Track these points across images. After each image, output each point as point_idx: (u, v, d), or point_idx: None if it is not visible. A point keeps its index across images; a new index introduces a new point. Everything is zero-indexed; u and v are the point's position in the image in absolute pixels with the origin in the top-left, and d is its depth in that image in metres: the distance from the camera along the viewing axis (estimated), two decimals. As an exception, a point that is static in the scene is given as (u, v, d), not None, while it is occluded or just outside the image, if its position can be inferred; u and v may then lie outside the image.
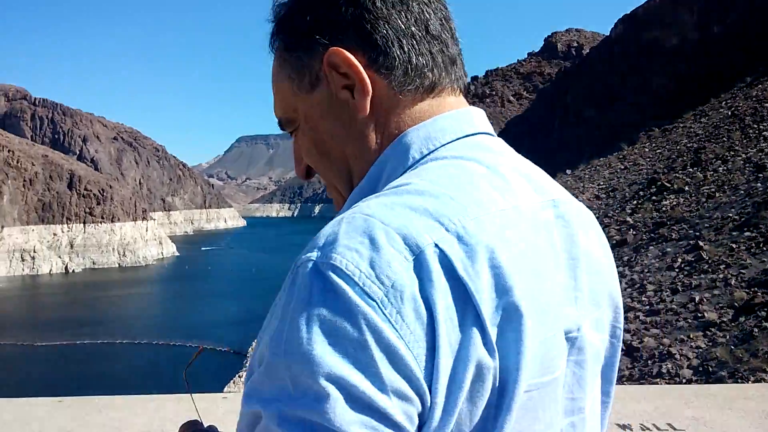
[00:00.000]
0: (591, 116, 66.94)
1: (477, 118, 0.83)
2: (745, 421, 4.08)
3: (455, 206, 0.68)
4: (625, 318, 21.59)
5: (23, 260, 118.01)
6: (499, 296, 0.65)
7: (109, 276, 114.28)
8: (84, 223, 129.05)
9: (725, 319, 15.71)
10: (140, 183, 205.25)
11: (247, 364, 0.69)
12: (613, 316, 0.87)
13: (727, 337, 14.71)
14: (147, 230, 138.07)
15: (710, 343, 14.69)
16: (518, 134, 75.91)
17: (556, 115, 72.42)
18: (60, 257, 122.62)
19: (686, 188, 32.92)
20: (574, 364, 0.77)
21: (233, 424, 0.69)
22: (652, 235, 28.68)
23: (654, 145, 49.69)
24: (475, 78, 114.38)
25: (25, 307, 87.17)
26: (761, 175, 28.61)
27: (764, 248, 19.16)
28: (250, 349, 41.25)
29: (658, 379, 13.99)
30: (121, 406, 3.69)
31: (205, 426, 0.90)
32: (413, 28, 0.79)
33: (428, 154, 0.77)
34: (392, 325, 0.60)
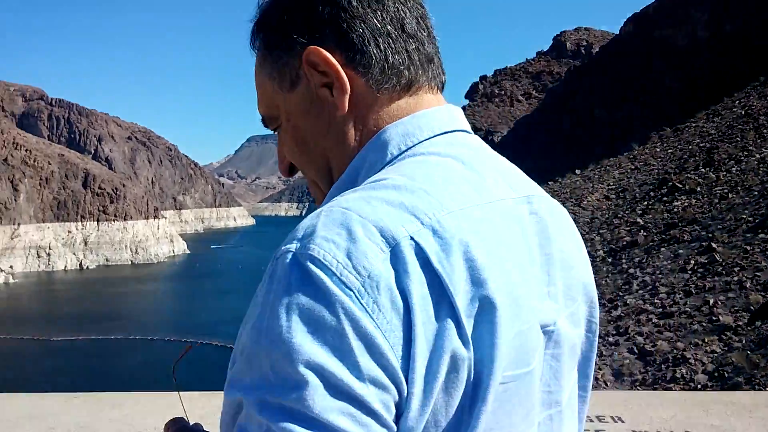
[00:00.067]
0: (601, 116, 66.68)
1: (454, 115, 0.85)
2: (769, 430, 3.94)
3: (431, 201, 0.69)
4: (638, 321, 21.61)
5: (39, 257, 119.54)
6: (474, 289, 0.67)
7: (122, 273, 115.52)
8: (98, 221, 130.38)
9: (741, 323, 15.63)
10: (153, 182, 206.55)
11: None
12: (588, 311, 0.88)
13: (743, 341, 14.59)
14: (159, 228, 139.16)
15: (726, 348, 14.60)
16: (527, 133, 75.75)
17: (566, 115, 72.12)
18: (75, 254, 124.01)
19: (698, 189, 32.69)
20: (550, 357, 0.78)
21: None
22: (664, 236, 28.54)
23: (665, 144, 49.23)
24: (484, 77, 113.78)
25: (41, 303, 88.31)
26: (776, 175, 28.37)
27: (779, 250, 19.07)
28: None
29: (672, 384, 13.93)
30: (133, 403, 3.71)
31: (191, 423, 0.90)
32: (389, 27, 0.80)
33: (406, 150, 0.79)
34: (369, 315, 0.62)
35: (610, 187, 45.90)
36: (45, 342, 65.10)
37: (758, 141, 36.27)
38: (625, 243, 30.37)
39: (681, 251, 24.74)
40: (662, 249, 26.55)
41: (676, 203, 33.18)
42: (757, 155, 33.68)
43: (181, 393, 1.10)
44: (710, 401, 4.55)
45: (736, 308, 16.64)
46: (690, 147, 43.91)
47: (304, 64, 0.80)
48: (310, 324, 0.61)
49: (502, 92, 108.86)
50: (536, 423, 0.77)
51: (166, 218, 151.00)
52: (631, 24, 75.01)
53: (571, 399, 0.85)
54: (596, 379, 17.69)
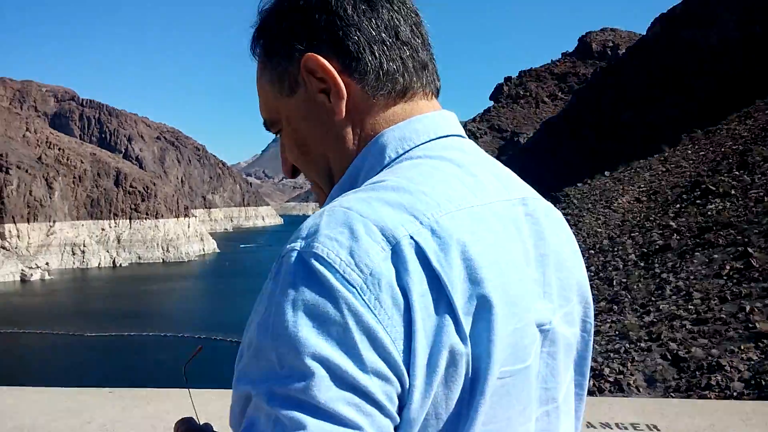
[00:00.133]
0: (629, 117, 65.85)
1: (449, 121, 0.87)
2: (812, 442, 3.84)
3: (429, 202, 0.71)
4: (671, 326, 21.50)
5: (74, 254, 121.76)
6: (471, 287, 0.68)
7: (154, 271, 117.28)
8: (130, 219, 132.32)
9: (779, 331, 15.50)
10: (182, 181, 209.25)
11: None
12: (583, 311, 0.90)
13: (782, 349, 14.47)
14: (189, 227, 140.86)
15: (762, 356, 14.49)
16: (554, 135, 75.19)
17: (593, 116, 71.43)
18: (108, 251, 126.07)
19: (732, 192, 32.28)
20: (547, 355, 0.81)
21: None
22: (698, 240, 28.27)
23: (697, 147, 48.55)
24: (508, 78, 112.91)
25: (75, 299, 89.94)
26: (813, 180, 27.95)
27: (817, 257, 18.86)
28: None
29: (707, 392, 13.91)
30: (165, 399, 3.72)
31: (201, 423, 0.91)
32: (384, 35, 0.82)
33: (403, 153, 0.81)
34: (371, 310, 0.64)
35: (641, 189, 45.42)
36: (79, 337, 66.67)
37: (794, 143, 35.71)
38: (657, 247, 30.15)
39: (716, 256, 24.50)
40: (696, 253, 26.29)
41: (709, 206, 32.75)
42: (793, 158, 33.18)
43: (191, 391, 1.11)
44: (750, 411, 4.38)
45: (773, 315, 16.51)
46: (722, 149, 43.23)
47: (303, 71, 0.82)
48: (316, 318, 0.63)
49: (527, 93, 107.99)
50: (533, 418, 0.79)
51: (195, 217, 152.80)
52: (659, 25, 73.91)
53: (568, 396, 0.87)
54: (628, 384, 17.70)
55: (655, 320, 21.76)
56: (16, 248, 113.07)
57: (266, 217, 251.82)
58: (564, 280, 0.84)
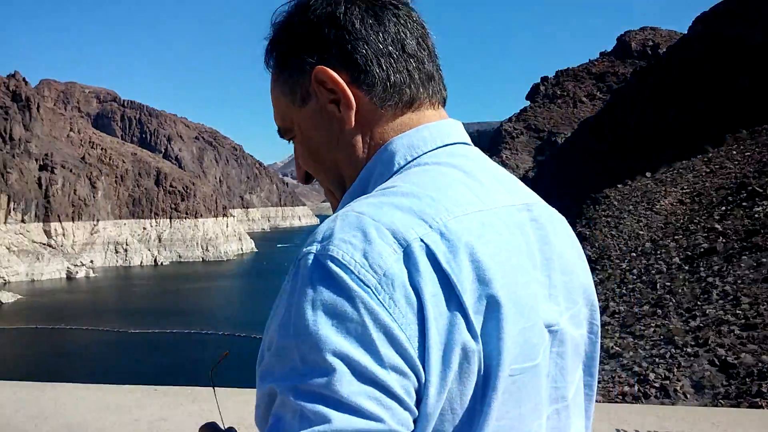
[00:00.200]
0: (671, 117, 64.56)
1: (455, 129, 0.90)
2: None
3: (437, 206, 0.74)
4: (718, 332, 21.20)
5: (117, 252, 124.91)
6: (480, 287, 0.71)
7: (194, 269, 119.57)
8: (170, 218, 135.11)
9: (830, 337, 15.26)
10: (220, 181, 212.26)
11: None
12: (589, 314, 0.92)
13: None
14: (228, 226, 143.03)
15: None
16: (592, 135, 74.14)
17: (634, 116, 70.24)
18: (149, 250, 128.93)
19: (781, 194, 31.65)
20: (556, 355, 0.83)
21: None
22: (745, 243, 27.71)
23: (742, 147, 47.40)
24: (545, 78, 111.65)
25: (120, 296, 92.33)
26: None
27: None
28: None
29: (759, 399, 13.73)
30: (210, 398, 3.69)
31: (225, 427, 0.94)
32: (390, 48, 0.86)
33: (412, 160, 0.85)
34: (386, 309, 0.66)
35: (684, 190, 44.59)
36: (123, 334, 68.38)
37: None
38: (702, 250, 29.67)
39: (764, 260, 24.02)
40: (743, 257, 25.81)
41: (757, 209, 32.05)
42: None
43: (217, 395, 1.16)
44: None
45: (825, 321, 16.23)
46: (769, 150, 42.32)
47: (314, 83, 0.86)
48: (334, 317, 0.66)
49: (565, 93, 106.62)
50: (545, 416, 0.82)
51: (234, 216, 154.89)
52: (700, 23, 72.32)
53: (577, 396, 0.91)
54: (675, 390, 17.53)
55: (701, 325, 21.48)
56: (62, 246, 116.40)
57: (302, 217, 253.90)
58: (569, 283, 0.87)
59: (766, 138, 46.42)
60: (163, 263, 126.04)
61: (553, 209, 0.92)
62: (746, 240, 27.83)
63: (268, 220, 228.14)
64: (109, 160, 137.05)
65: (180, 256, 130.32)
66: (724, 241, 29.53)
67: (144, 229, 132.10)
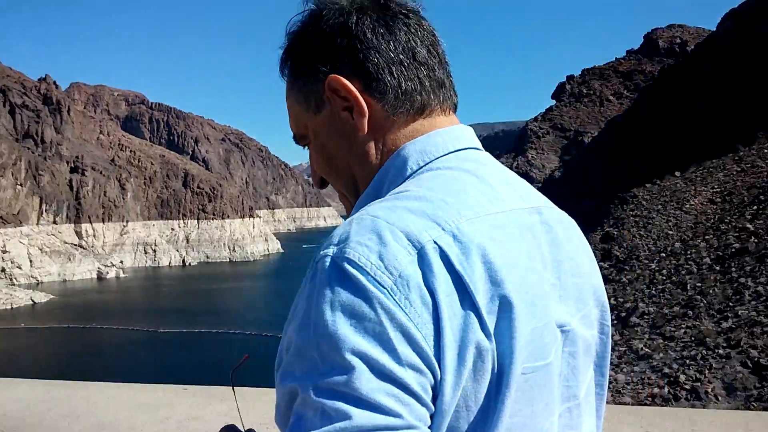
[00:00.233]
0: (700, 115, 63.44)
1: (466, 134, 0.93)
2: None
3: (449, 210, 0.77)
4: (751, 333, 20.79)
5: (146, 253, 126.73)
6: (492, 288, 0.73)
7: (221, 269, 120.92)
8: (198, 219, 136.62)
9: None
10: (246, 182, 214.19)
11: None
12: (600, 314, 0.94)
13: None
14: (254, 227, 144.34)
15: None
16: (620, 134, 73.09)
17: (662, 115, 69.17)
18: (178, 251, 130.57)
19: (816, 194, 30.91)
20: (568, 355, 0.85)
21: None
22: (778, 244, 27.19)
23: (774, 146, 46.55)
24: (571, 77, 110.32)
25: (149, 296, 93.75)
26: None
27: None
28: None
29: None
30: (239, 397, 4.10)
31: (245, 428, 0.96)
32: (401, 56, 0.88)
33: (424, 165, 0.87)
34: (402, 309, 0.68)
35: (714, 190, 43.78)
36: (152, 333, 69.41)
37: None
38: (734, 250, 29.11)
39: (798, 261, 23.53)
40: (776, 258, 25.28)
41: (790, 208, 31.36)
42: None
43: (238, 398, 1.17)
44: None
45: None
46: (803, 148, 41.35)
47: (327, 91, 0.88)
48: (352, 317, 0.68)
49: (591, 92, 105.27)
50: (557, 414, 0.83)
51: (260, 217, 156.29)
52: (729, 19, 70.86)
53: (588, 395, 0.92)
54: (706, 393, 17.25)
55: (733, 326, 21.10)
56: (92, 247, 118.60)
57: (328, 217, 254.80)
58: (580, 284, 0.89)
59: (799, 136, 45.45)
60: (191, 263, 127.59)
61: (563, 212, 0.94)
62: (779, 240, 27.22)
63: (294, 221, 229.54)
64: (138, 162, 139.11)
65: (207, 257, 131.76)
66: (756, 240, 28.94)
67: (172, 230, 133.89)
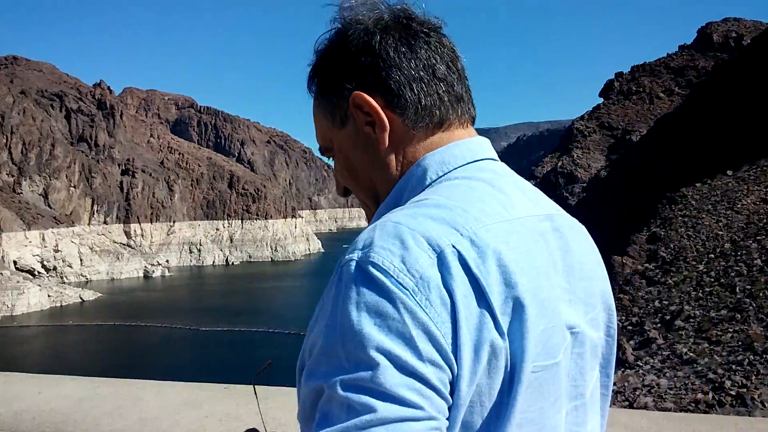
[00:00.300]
0: (755, 112, 60.71)
1: (482, 146, 0.98)
2: None
3: (467, 217, 0.81)
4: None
5: (191, 252, 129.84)
6: (506, 290, 0.78)
7: (263, 269, 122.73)
8: (242, 219, 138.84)
9: None
10: (290, 183, 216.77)
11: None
12: (607, 317, 0.99)
13: None
14: (296, 227, 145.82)
15: None
16: (670, 132, 70.68)
17: (715, 112, 66.54)
18: (221, 250, 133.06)
19: None
20: (576, 355, 0.90)
21: None
22: (838, 245, 25.64)
23: (833, 143, 44.17)
24: (619, 74, 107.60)
25: (192, 295, 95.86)
26: None
27: None
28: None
29: None
30: (277, 396, 3.76)
31: (268, 431, 0.93)
32: (422, 73, 0.93)
33: (443, 175, 0.92)
34: (423, 309, 0.73)
35: (768, 189, 41.80)
36: (194, 331, 70.60)
37: None
38: (788, 252, 27.55)
39: None
40: (836, 259, 23.77)
41: None
42: None
43: (260, 402, 1.14)
44: None
45: None
46: None
47: (351, 107, 0.94)
48: (377, 316, 0.72)
49: (641, 89, 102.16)
50: (564, 411, 0.88)
51: (302, 218, 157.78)
52: (790, 11, 67.57)
53: (594, 395, 0.97)
54: (752, 399, 16.30)
55: (785, 331, 19.90)
56: (140, 246, 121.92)
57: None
58: (588, 288, 0.93)
59: None
60: (234, 263, 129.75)
61: (574, 219, 0.98)
62: (839, 240, 25.62)
63: (335, 221, 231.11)
64: (186, 164, 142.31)
65: (250, 256, 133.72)
66: (812, 241, 27.31)
67: (217, 230, 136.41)
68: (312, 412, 0.75)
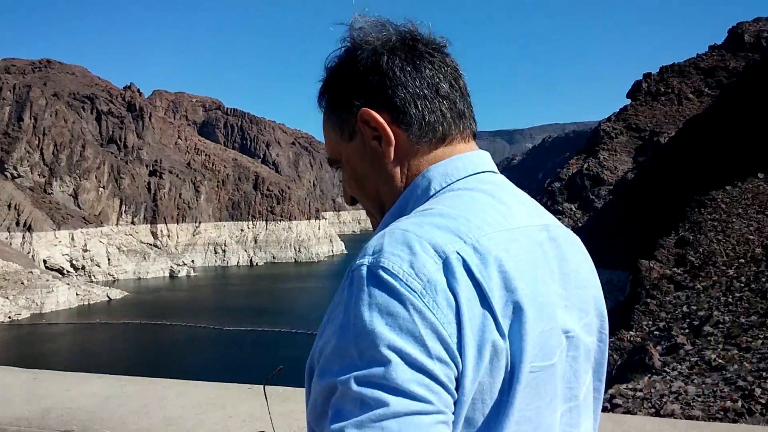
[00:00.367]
0: (791, 114, 59.27)
1: (484, 159, 1.04)
2: None
3: (470, 225, 0.87)
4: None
5: (216, 253, 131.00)
6: (507, 294, 0.83)
7: (286, 270, 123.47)
8: (266, 220, 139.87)
9: None
10: (314, 184, 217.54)
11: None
12: (599, 323, 1.04)
13: None
14: (320, 229, 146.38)
15: None
16: (699, 134, 69.43)
17: (746, 113, 65.15)
18: (246, 251, 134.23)
19: None
20: (571, 359, 0.95)
21: None
22: None
23: None
24: (648, 75, 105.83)
25: (217, 295, 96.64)
26: None
27: None
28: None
29: None
30: (300, 397, 3.84)
31: None
32: (426, 91, 0.99)
33: (446, 186, 0.98)
34: (430, 310, 0.78)
35: (802, 192, 40.84)
36: (218, 330, 71.15)
37: None
38: (823, 257, 26.84)
39: None
40: None
41: None
42: None
43: (270, 407, 1.17)
44: None
45: None
46: None
47: (359, 122, 1.00)
48: (388, 316, 0.77)
49: (669, 90, 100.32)
50: (559, 412, 0.93)
51: (326, 219, 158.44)
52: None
53: (587, 397, 1.02)
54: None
55: (819, 338, 19.38)
56: (166, 246, 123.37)
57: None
58: (583, 295, 0.99)
59: None
60: (258, 264, 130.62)
61: (568, 229, 1.04)
62: None
63: (359, 223, 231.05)
64: (212, 165, 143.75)
65: (274, 257, 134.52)
66: None
67: (241, 230, 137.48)
68: (324, 408, 0.79)
